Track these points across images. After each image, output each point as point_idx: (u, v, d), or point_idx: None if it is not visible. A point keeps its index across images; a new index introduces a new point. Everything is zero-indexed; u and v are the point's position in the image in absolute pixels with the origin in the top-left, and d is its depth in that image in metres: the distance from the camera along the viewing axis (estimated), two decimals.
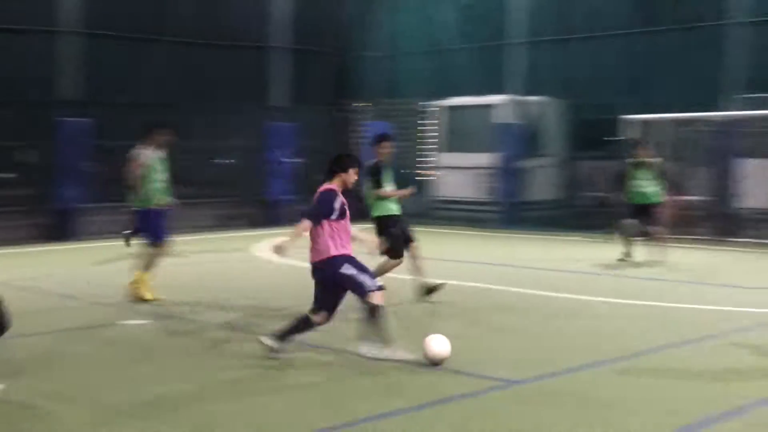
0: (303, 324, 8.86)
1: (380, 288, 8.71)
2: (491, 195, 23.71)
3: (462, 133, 24.54)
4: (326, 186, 8.95)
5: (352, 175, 9.06)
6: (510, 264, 16.18)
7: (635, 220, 16.30)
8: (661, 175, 16.39)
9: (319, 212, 8.73)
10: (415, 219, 24.29)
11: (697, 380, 8.09)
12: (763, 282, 14.14)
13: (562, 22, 23.73)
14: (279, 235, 20.23)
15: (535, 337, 10.03)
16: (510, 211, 23.17)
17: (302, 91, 25.31)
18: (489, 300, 12.47)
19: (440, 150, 25.11)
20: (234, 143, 24.20)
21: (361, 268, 8.71)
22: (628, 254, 16.38)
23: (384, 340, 8.65)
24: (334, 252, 8.66)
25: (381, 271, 11.76)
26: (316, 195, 8.89)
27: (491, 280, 14.02)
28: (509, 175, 23.10)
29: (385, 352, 8.64)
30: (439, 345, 8.56)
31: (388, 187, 12.31)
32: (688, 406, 7.28)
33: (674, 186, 19.60)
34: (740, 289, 13.50)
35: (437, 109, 25.30)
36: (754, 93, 20.01)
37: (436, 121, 25.37)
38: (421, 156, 25.94)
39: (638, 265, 15.98)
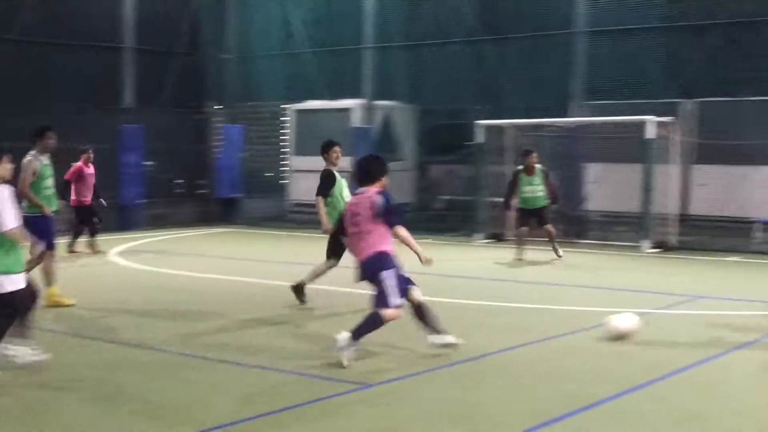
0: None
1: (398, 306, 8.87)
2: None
3: (314, 137, 24.52)
4: (375, 189, 8.99)
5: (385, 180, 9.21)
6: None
7: (526, 225, 17.07)
8: (546, 180, 17.09)
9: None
10: (269, 222, 24.43)
11: (548, 380, 8.33)
12: (610, 282, 14.63)
13: (412, 28, 24.06)
14: (130, 240, 20.06)
15: (393, 341, 10.12)
16: None
17: (155, 93, 24.87)
18: (347, 303, 12.51)
19: (292, 153, 25.09)
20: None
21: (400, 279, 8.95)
22: (520, 257, 17.01)
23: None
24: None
25: (316, 273, 12.11)
26: (380, 200, 8.88)
27: (344, 283, 14.05)
28: None
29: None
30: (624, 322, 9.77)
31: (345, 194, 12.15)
32: (536, 406, 7.50)
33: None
34: (587, 289, 13.94)
35: (291, 112, 25.27)
36: (599, 100, 20.76)
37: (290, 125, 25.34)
38: (283, 159, 25.86)
39: (512, 265, 16.41)
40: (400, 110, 24.28)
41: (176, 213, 24.59)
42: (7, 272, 8.17)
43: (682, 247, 18.44)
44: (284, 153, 25.76)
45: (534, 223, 17.11)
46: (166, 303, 12.45)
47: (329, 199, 12.25)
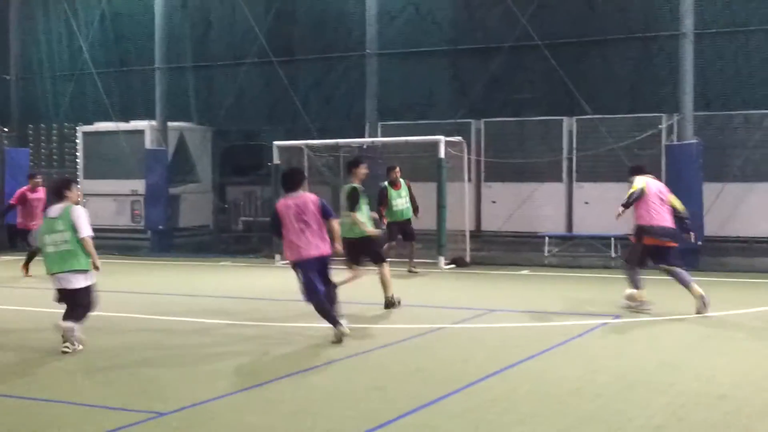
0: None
1: None
2: (140, 222, 23.29)
3: (105, 159, 23.93)
4: (307, 192, 11.18)
5: None
6: (160, 293, 15.94)
7: (394, 239, 17.78)
8: (410, 193, 17.83)
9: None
10: None
11: (340, 399, 8.36)
12: (408, 299, 14.86)
13: (203, 48, 23.82)
14: None
15: (188, 364, 9.93)
16: (160, 238, 22.82)
17: None
18: (138, 330, 12.22)
19: (83, 176, 24.33)
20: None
21: None
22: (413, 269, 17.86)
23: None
24: None
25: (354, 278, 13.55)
26: (320, 199, 11.13)
27: (139, 310, 13.74)
28: (157, 202, 22.72)
29: None
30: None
31: (363, 211, 13.43)
32: (329, 426, 7.51)
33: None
34: (381, 307, 14.12)
35: (81, 134, 24.53)
36: (393, 120, 21.17)
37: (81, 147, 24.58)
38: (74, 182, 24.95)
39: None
40: (194, 131, 23.99)
41: None
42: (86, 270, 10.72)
43: (477, 263, 18.99)
44: (75, 176, 24.92)
45: (398, 238, 17.87)
46: None
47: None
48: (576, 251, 19.85)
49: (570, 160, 20.03)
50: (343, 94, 22.16)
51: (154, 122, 23.37)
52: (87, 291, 10.81)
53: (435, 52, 21.41)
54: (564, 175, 20.20)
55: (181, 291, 16.04)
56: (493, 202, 20.64)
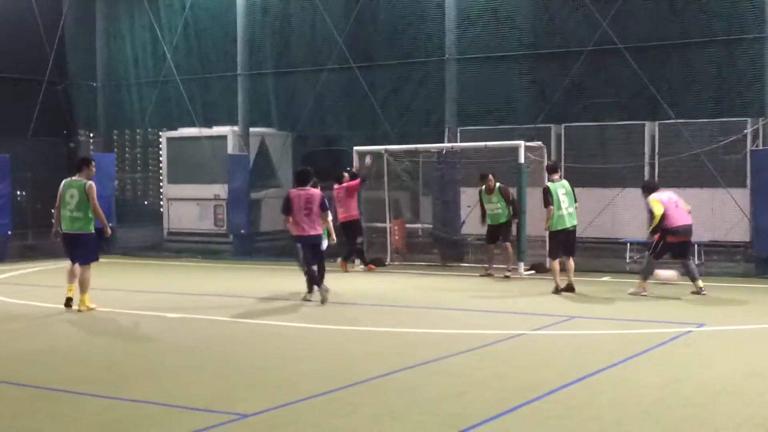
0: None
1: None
2: (222, 226, 23.62)
3: (189, 164, 24.32)
4: (312, 188, 14.93)
5: None
6: (237, 295, 16.16)
7: (493, 242, 18.63)
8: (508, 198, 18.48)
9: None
10: (146, 252, 24.01)
11: (424, 404, 8.38)
12: (490, 305, 14.83)
13: (283, 54, 24.05)
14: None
15: (268, 368, 10.05)
16: (242, 242, 23.12)
17: (22, 122, 24.22)
18: (217, 332, 12.41)
19: (167, 181, 24.76)
20: None
21: None
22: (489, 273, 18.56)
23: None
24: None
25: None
26: (322, 195, 14.83)
27: (220, 312, 13.95)
28: (239, 207, 23.02)
29: None
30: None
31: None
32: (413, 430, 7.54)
33: (399, 214, 20.47)
34: (467, 312, 14.12)
35: (165, 140, 24.97)
36: (471, 125, 21.13)
37: (165, 153, 25.03)
38: (158, 187, 25.45)
39: (406, 288, 16.50)
40: (275, 137, 24.24)
41: (46, 244, 23.85)
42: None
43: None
44: (159, 181, 25.42)
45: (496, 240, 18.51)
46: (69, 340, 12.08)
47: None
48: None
49: (652, 165, 19.76)
50: (422, 99, 22.18)
51: (236, 128, 23.68)
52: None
53: (514, 56, 21.29)
54: None
55: (261, 293, 16.24)
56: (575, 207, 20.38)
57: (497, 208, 18.38)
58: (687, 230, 15.33)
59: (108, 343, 11.87)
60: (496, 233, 18.48)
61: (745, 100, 18.97)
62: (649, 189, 15.66)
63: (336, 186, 19.70)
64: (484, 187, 18.44)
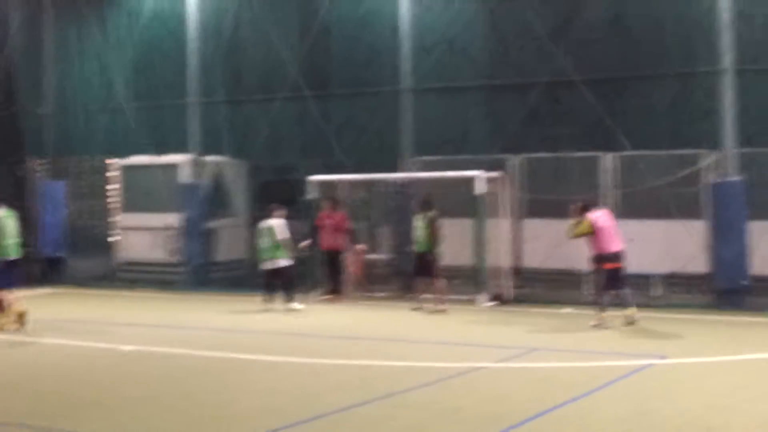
0: None
1: None
2: (176, 256, 23.24)
3: (143, 193, 23.94)
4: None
5: None
6: (193, 327, 15.88)
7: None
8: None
9: None
10: (97, 282, 23.55)
11: None
12: (448, 337, 14.69)
13: (236, 82, 23.87)
14: None
15: (226, 402, 9.82)
16: (196, 272, 22.77)
17: None
18: (173, 365, 12.15)
19: (121, 210, 24.35)
20: None
21: None
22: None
23: None
24: None
25: None
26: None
27: (174, 344, 13.67)
28: (194, 236, 22.68)
29: None
30: None
31: None
32: None
33: (356, 242, 20.28)
34: (426, 344, 13.96)
35: (117, 168, 24.58)
36: (428, 155, 21.03)
37: (117, 181, 24.63)
38: (110, 215, 24.99)
39: (351, 321, 16.29)
40: (230, 166, 23.96)
41: None
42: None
43: (518, 300, 18.74)
44: (111, 209, 24.97)
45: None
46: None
47: None
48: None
49: (608, 196, 19.79)
50: (377, 128, 22.05)
51: (189, 156, 23.38)
52: None
53: (470, 87, 21.29)
54: None
55: (217, 325, 15.98)
56: (534, 238, 20.35)
57: (420, 234, 17.98)
58: (621, 256, 15.46)
59: (60, 375, 11.55)
60: (420, 263, 17.96)
61: (699, 133, 19.07)
62: (585, 209, 15.76)
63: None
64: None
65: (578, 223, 15.52)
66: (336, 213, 19.83)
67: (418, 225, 18.10)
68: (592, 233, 15.34)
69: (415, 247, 18.20)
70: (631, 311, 15.32)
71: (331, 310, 17.98)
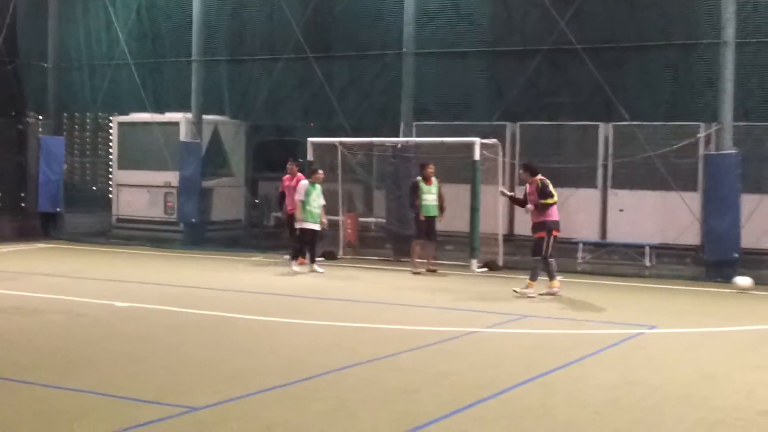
0: None
1: None
2: (172, 214, 23.31)
3: (141, 150, 23.96)
4: None
5: None
6: (187, 285, 15.96)
7: (423, 236, 18.26)
8: (439, 191, 18.40)
9: None
10: (92, 238, 23.64)
11: (374, 401, 8.30)
12: (440, 302, 14.77)
13: (239, 42, 23.75)
14: None
15: (218, 360, 9.91)
16: (193, 230, 22.82)
17: None
18: (167, 323, 12.24)
19: (117, 167, 24.39)
20: None
21: None
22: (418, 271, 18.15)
23: None
24: None
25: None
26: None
27: (168, 302, 13.75)
28: (190, 195, 22.70)
29: None
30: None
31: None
32: (362, 427, 7.46)
33: (352, 207, 20.35)
34: (416, 308, 14.06)
35: (116, 125, 24.59)
36: (428, 121, 21.04)
37: (116, 138, 24.65)
38: (108, 172, 25.07)
39: (347, 282, 16.39)
40: (229, 125, 23.96)
41: None
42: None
43: (509, 267, 18.84)
44: (109, 166, 25.04)
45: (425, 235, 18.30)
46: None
47: None
48: (609, 259, 19.67)
49: (605, 166, 19.84)
50: (379, 92, 22.00)
51: (189, 114, 23.35)
52: None
53: (472, 53, 21.20)
54: (599, 182, 20.01)
55: (211, 285, 16.07)
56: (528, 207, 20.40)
57: (434, 200, 18.33)
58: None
59: (53, 330, 11.64)
60: (429, 228, 18.30)
61: (699, 105, 19.07)
62: (535, 169, 15.50)
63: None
64: (421, 177, 18.29)
65: (538, 190, 15.12)
66: (299, 176, 19.14)
67: (431, 190, 18.24)
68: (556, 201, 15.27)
69: (426, 212, 18.24)
70: (556, 283, 15.26)
71: (325, 272, 18.02)
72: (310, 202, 17.84)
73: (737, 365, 10.16)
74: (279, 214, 19.56)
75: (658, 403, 8.35)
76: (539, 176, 15.33)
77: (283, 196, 19.32)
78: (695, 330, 12.48)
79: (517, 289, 15.16)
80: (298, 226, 17.97)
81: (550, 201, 15.12)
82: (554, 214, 15.22)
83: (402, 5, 21.30)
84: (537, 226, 15.28)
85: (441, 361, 10.06)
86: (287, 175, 19.34)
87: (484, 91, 21.28)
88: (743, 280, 16.00)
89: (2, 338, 11.00)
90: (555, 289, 15.16)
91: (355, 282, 17.05)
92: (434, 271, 18.15)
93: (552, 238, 15.17)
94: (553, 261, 15.30)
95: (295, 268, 17.81)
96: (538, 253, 15.21)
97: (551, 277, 15.20)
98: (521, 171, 16.08)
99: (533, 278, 15.18)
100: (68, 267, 18.45)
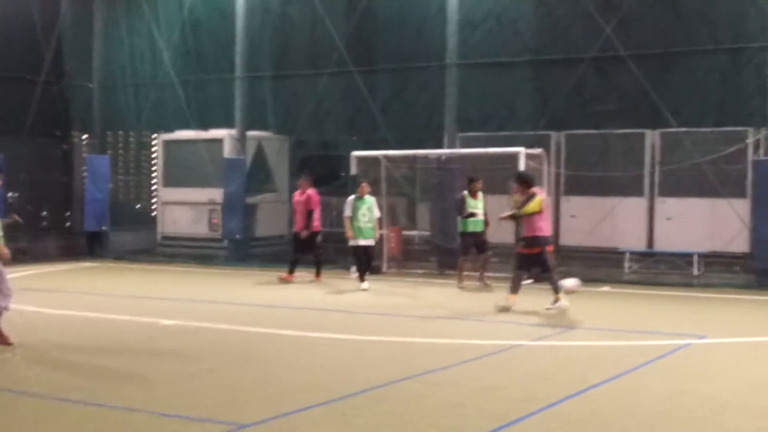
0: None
1: None
2: (217, 231, 23.37)
3: (185, 168, 24.08)
4: None
5: None
6: (234, 302, 15.91)
7: (469, 251, 17.91)
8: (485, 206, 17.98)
9: None
10: (138, 256, 23.75)
11: (426, 415, 8.18)
12: (483, 315, 14.61)
13: (282, 58, 23.81)
14: None
15: (265, 376, 9.84)
16: (237, 247, 22.86)
17: (17, 122, 23.95)
18: (214, 340, 12.20)
19: (161, 185, 24.53)
20: None
21: None
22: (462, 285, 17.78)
23: None
24: None
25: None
26: None
27: (216, 318, 13.73)
28: (234, 211, 22.76)
29: None
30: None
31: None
32: None
33: (396, 221, 20.22)
34: (463, 321, 13.91)
35: (160, 142, 24.73)
36: (471, 131, 20.89)
37: (160, 156, 24.79)
38: (153, 190, 25.23)
39: (406, 297, 16.41)
40: (272, 141, 24.01)
41: (39, 247, 23.61)
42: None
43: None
44: (154, 184, 25.18)
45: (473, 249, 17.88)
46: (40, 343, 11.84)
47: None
48: (657, 268, 19.37)
49: (652, 174, 19.57)
50: (422, 104, 21.94)
51: (233, 131, 23.42)
52: None
53: (516, 62, 21.07)
54: (646, 190, 19.73)
55: (257, 300, 16.02)
56: (572, 216, 20.23)
57: (481, 214, 17.87)
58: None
59: (100, 349, 11.63)
60: (477, 243, 17.81)
61: (748, 110, 18.79)
62: (529, 182, 14.83)
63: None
64: (467, 191, 17.84)
65: (528, 199, 14.49)
66: (309, 191, 18.86)
67: (477, 204, 17.82)
68: (540, 212, 14.44)
69: (474, 228, 17.79)
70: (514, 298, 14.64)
71: (370, 286, 17.89)
72: (359, 217, 17.57)
73: None
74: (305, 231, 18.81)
75: (712, 414, 8.15)
76: (535, 189, 14.78)
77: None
78: (746, 340, 12.21)
79: (551, 305, 14.43)
80: (351, 244, 17.77)
81: (529, 210, 14.37)
82: (546, 228, 14.68)
83: (445, 16, 21.20)
84: (529, 241, 14.58)
85: (487, 375, 9.90)
86: (297, 191, 19.07)
87: (528, 101, 21.14)
88: (570, 282, 14.65)
89: (50, 357, 11.01)
90: (511, 303, 14.51)
91: (398, 297, 16.88)
92: (488, 285, 17.73)
93: (546, 253, 14.56)
94: (526, 276, 15.25)
95: (364, 285, 17.49)
96: (526, 268, 14.97)
97: (556, 291, 14.42)
98: (515, 183, 15.06)
99: (556, 291, 14.43)
100: (114, 285, 18.52)
